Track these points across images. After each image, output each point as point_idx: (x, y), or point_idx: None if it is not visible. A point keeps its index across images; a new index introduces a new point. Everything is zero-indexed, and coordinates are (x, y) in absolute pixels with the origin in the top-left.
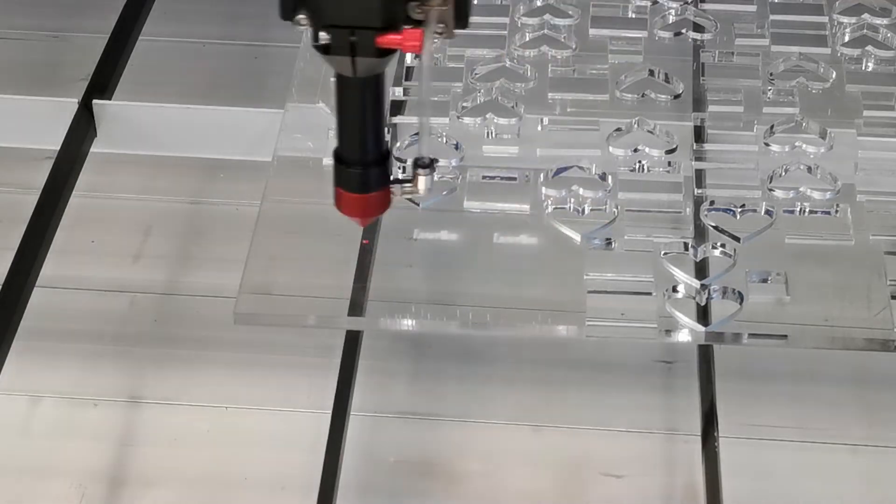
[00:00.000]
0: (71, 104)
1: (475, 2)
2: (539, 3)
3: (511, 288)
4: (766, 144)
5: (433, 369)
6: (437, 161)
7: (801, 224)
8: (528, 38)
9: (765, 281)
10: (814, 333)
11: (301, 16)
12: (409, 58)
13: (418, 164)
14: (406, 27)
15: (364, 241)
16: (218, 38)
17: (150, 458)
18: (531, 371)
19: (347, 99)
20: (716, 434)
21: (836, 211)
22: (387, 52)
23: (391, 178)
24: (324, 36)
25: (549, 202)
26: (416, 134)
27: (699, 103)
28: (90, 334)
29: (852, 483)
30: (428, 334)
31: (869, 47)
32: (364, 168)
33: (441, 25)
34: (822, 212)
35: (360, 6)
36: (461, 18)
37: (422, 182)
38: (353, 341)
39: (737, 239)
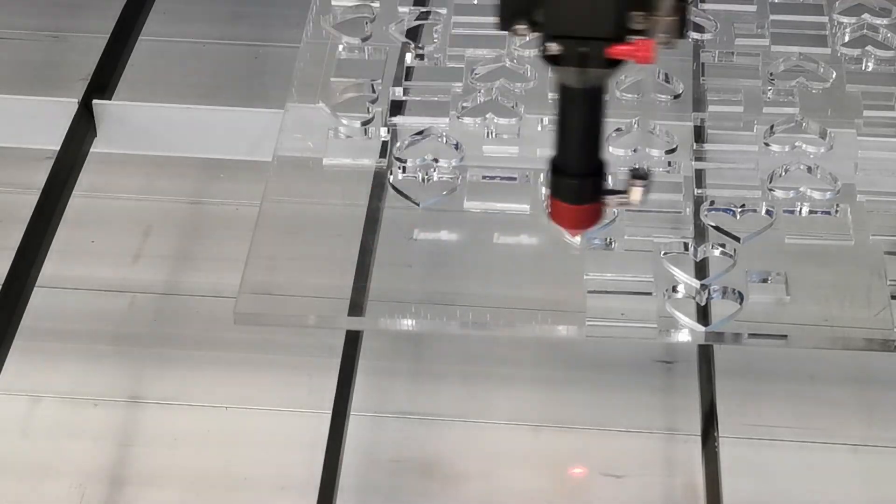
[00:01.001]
0: (71, 104)
1: (475, 2)
2: None
3: (511, 288)
4: (766, 144)
5: (433, 369)
6: (652, 173)
7: (801, 224)
8: (528, 38)
9: (765, 281)
10: (814, 333)
11: (522, 25)
12: (409, 58)
13: (635, 174)
14: (632, 38)
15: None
16: (218, 38)
17: (150, 458)
18: (531, 371)
19: (570, 109)
20: (716, 434)
21: (836, 211)
22: (615, 63)
23: (605, 188)
24: (553, 46)
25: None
26: (417, 134)
27: (699, 103)
28: (90, 334)
29: (852, 483)
30: (428, 334)
31: (869, 47)
32: (581, 179)
33: (666, 35)
34: (822, 212)
35: (592, 16)
36: (683, 28)
37: (636, 193)
38: (353, 341)
39: (737, 239)
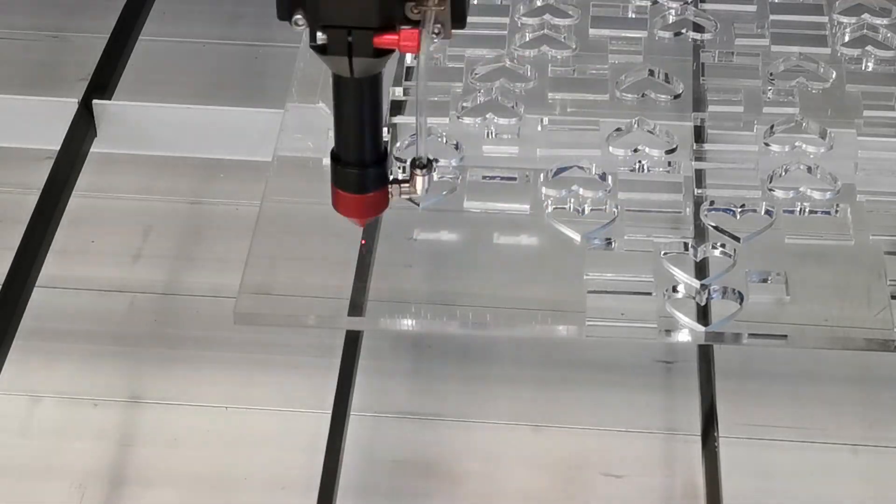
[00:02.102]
0: (71, 104)
1: (475, 2)
2: (539, 3)
3: (511, 288)
4: (766, 144)
5: (433, 369)
6: (435, 161)
7: (801, 224)
8: (528, 38)
9: (765, 281)
10: (814, 333)
11: (298, 16)
12: (408, 58)
13: (416, 164)
14: (403, 27)
15: (362, 241)
16: (218, 38)
17: (150, 458)
18: (531, 371)
19: (345, 99)
20: (716, 434)
21: (836, 211)
22: (384, 53)
23: (390, 178)
24: (321, 36)
25: (549, 202)
26: (416, 134)
27: (699, 103)
28: (90, 334)
29: (852, 483)
30: (428, 334)
31: (869, 47)
32: (362, 168)
33: (438, 26)
34: (822, 212)
35: (358, 6)
36: (458, 19)
37: (419, 182)
38: (353, 341)
39: (737, 239)
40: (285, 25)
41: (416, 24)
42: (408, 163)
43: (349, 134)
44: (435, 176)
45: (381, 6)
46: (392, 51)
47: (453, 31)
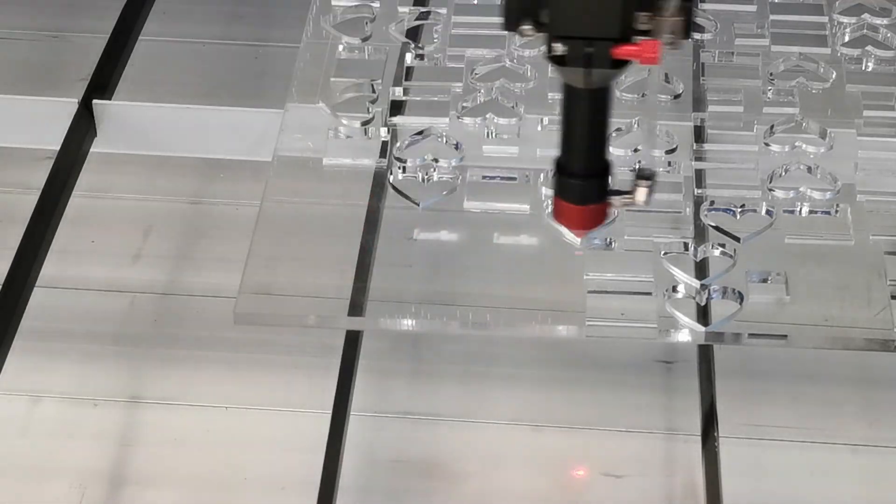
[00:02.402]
0: (71, 104)
1: (475, 2)
2: None
3: (511, 288)
4: (766, 144)
5: (433, 369)
6: (657, 173)
7: (801, 224)
8: (533, 38)
9: (765, 281)
10: (814, 333)
11: (527, 26)
12: (408, 58)
13: (640, 175)
14: (639, 38)
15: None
16: (218, 38)
17: (150, 458)
18: (531, 371)
19: (575, 110)
20: (716, 434)
21: (836, 211)
22: (621, 64)
23: (610, 189)
24: (558, 47)
25: (549, 202)
26: (417, 134)
27: (699, 103)
28: (90, 334)
29: (852, 483)
30: (428, 334)
31: (869, 47)
32: (586, 179)
33: (671, 36)
34: (822, 212)
35: (598, 17)
36: (688, 29)
37: (641, 193)
38: (353, 341)
39: (737, 239)
40: (285, 25)
41: (645, 33)
42: (633, 173)
43: (577, 145)
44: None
45: (622, 17)
46: (629, 62)
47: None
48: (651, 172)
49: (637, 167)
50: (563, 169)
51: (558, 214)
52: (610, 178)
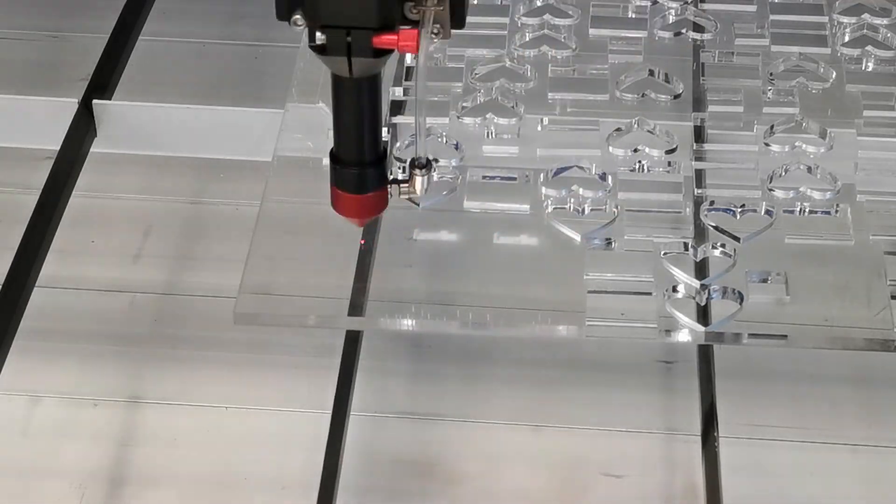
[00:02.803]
0: (71, 104)
1: (474, 2)
2: (539, 3)
3: (511, 288)
4: (766, 144)
5: (433, 369)
6: (434, 161)
7: (801, 224)
8: (528, 38)
9: (765, 281)
10: (814, 333)
11: (297, 16)
12: (408, 58)
13: (415, 164)
14: (402, 28)
15: (361, 241)
16: (218, 38)
17: (150, 458)
18: (531, 371)
19: (344, 99)
20: (716, 434)
21: (836, 211)
22: (383, 53)
23: (389, 178)
24: (320, 36)
25: (549, 202)
26: (415, 134)
27: (699, 103)
28: (90, 334)
29: (852, 483)
30: (428, 334)
31: (869, 47)
32: (361, 168)
33: (437, 26)
34: (822, 212)
35: (357, 7)
36: (457, 19)
37: (418, 182)
38: (353, 341)
39: (737, 239)
40: (285, 25)
41: (415, 24)
42: (407, 163)
43: (348, 134)
44: (435, 176)
45: (380, 6)
46: (391, 51)
47: (452, 31)
48: (427, 161)
49: (415, 157)
50: (338, 159)
51: (335, 204)
52: (389, 167)
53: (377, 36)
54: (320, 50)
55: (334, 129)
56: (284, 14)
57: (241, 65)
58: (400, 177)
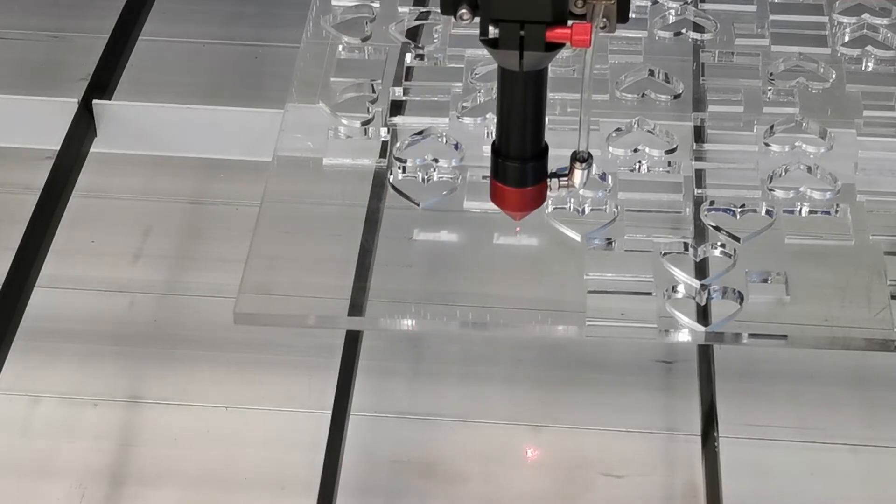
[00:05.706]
0: (71, 104)
1: None
2: None
3: (511, 288)
4: (766, 144)
5: (433, 369)
6: (592, 156)
7: (801, 224)
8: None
9: (765, 281)
10: (814, 333)
11: (463, 10)
12: (409, 58)
13: (576, 157)
14: (571, 21)
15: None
16: (218, 38)
17: (150, 458)
18: (531, 371)
19: (510, 93)
20: (716, 434)
21: (836, 211)
22: (554, 47)
23: (547, 171)
24: (493, 31)
25: (549, 202)
26: (417, 134)
27: (699, 103)
28: (90, 334)
29: (852, 483)
30: (428, 334)
31: (869, 47)
32: (523, 162)
33: (605, 20)
34: (822, 212)
35: (531, 1)
36: (623, 14)
37: (577, 176)
38: (353, 341)
39: (737, 239)
40: (285, 25)
41: (580, 18)
42: (568, 156)
43: (513, 128)
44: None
45: (554, 0)
46: (562, 45)
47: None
48: (587, 155)
49: (575, 150)
50: (500, 152)
51: (495, 197)
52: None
53: (550, 30)
54: (492, 44)
55: (498, 122)
56: (450, 8)
57: (240, 65)
58: (557, 170)
